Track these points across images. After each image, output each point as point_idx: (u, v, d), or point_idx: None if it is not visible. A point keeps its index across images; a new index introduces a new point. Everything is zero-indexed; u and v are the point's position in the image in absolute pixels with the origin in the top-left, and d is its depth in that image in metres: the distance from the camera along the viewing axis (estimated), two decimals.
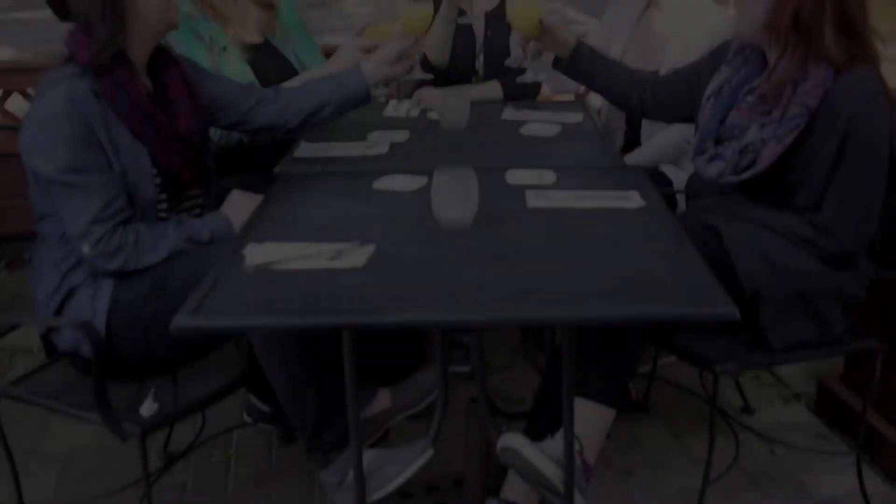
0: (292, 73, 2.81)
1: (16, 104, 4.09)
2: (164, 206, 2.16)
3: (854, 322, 2.24)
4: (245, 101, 2.38)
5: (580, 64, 2.58)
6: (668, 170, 2.91)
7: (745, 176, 2.12)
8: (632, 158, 2.92)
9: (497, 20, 3.18)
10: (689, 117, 2.42)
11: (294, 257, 1.75)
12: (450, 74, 3.18)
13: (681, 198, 2.79)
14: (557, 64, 2.62)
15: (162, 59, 2.21)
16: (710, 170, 2.18)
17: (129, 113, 2.05)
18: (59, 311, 2.11)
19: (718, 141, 2.21)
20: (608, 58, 2.66)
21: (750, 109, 2.15)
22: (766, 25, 2.08)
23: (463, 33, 3.19)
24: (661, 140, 2.92)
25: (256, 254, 1.78)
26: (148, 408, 2.02)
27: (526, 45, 2.68)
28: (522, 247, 1.81)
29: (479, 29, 3.22)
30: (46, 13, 2.04)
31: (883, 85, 2.07)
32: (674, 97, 2.52)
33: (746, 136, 2.12)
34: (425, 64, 3.19)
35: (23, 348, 3.20)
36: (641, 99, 2.57)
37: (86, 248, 2.02)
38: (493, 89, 3.17)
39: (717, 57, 2.38)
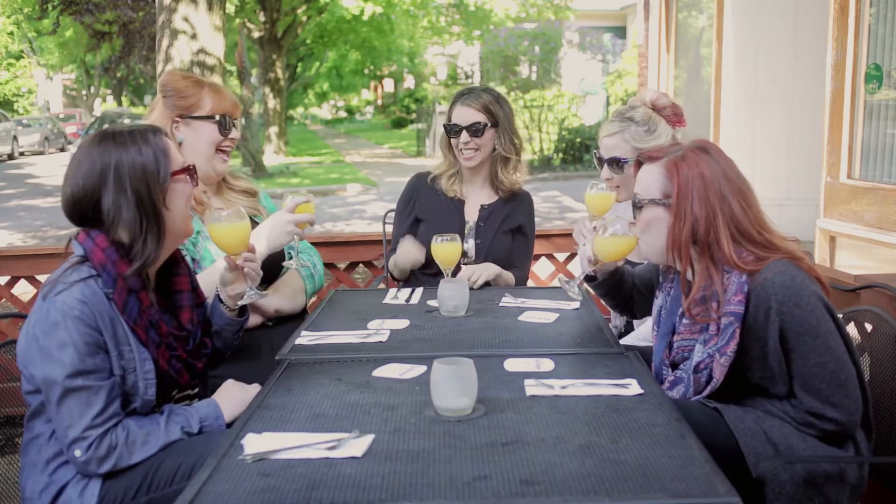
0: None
1: (22, 289, 4.15)
2: (157, 403, 2.16)
3: None
4: None
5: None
6: None
7: (707, 393, 2.19)
8: (630, 340, 2.95)
9: (490, 213, 3.35)
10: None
11: (293, 447, 1.75)
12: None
13: None
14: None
15: (170, 256, 2.26)
16: (674, 395, 2.26)
17: (138, 320, 2.08)
18: None
19: (674, 366, 2.31)
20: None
21: (688, 331, 2.28)
22: (669, 247, 2.22)
23: (457, 217, 3.33)
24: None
25: (255, 443, 1.77)
26: None
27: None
28: (521, 436, 1.81)
29: (471, 216, 3.36)
30: (54, 199, 2.09)
31: (800, 269, 2.13)
32: (642, 292, 2.66)
33: (694, 356, 2.22)
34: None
35: None
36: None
37: (77, 453, 2.00)
38: (492, 269, 3.26)
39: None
